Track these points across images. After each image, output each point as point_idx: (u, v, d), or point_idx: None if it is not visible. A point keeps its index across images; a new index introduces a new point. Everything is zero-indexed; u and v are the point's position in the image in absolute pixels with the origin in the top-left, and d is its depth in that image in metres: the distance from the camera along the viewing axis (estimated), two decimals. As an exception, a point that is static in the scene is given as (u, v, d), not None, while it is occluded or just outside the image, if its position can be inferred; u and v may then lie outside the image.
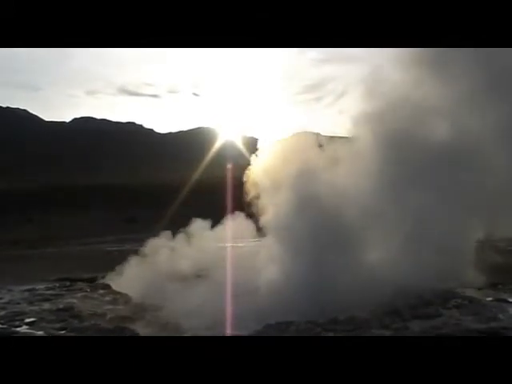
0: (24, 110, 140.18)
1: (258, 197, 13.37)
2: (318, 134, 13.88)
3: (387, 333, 9.19)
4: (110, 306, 11.91)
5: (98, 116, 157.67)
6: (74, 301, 12.48)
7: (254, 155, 13.64)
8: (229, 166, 20.24)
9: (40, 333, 9.82)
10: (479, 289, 12.65)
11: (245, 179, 13.54)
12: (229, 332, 9.04)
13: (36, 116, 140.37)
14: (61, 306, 11.78)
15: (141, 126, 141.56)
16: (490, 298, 11.68)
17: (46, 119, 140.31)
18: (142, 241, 16.16)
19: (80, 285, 14.95)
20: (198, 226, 14.78)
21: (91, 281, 15.44)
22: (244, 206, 13.86)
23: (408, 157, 12.62)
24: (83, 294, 13.47)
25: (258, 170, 13.31)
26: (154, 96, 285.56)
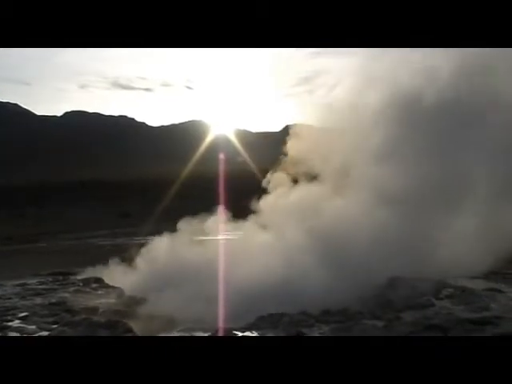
0: (15, 104, 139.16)
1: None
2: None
3: (380, 323, 9.23)
4: (103, 300, 11.86)
5: (90, 110, 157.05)
6: (67, 295, 12.45)
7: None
8: (221, 158, 20.20)
9: (32, 327, 9.80)
10: (472, 278, 12.71)
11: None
12: (220, 324, 9.02)
13: (27, 110, 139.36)
14: (53, 301, 11.75)
15: (133, 119, 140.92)
16: (483, 288, 11.74)
17: (38, 113, 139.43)
18: (134, 235, 16.11)
19: (72, 279, 14.90)
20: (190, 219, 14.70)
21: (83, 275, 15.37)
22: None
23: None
24: (76, 288, 13.42)
25: None
26: (147, 89, 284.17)
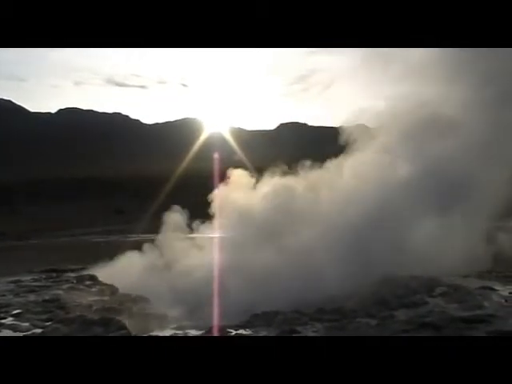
0: (8, 100, 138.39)
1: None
2: None
3: (373, 322, 9.25)
4: (97, 297, 11.81)
5: (85, 107, 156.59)
6: (60, 292, 12.38)
7: None
8: (215, 156, 20.19)
9: (26, 324, 9.75)
10: (465, 276, 12.76)
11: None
12: (215, 322, 9.01)
13: (21, 107, 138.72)
14: (47, 298, 11.70)
15: (127, 116, 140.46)
16: (476, 286, 11.78)
17: (32, 110, 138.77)
18: (128, 232, 16.06)
19: (66, 276, 14.85)
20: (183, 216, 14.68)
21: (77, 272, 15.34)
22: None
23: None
24: (69, 285, 13.36)
25: None
26: (142, 87, 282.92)
